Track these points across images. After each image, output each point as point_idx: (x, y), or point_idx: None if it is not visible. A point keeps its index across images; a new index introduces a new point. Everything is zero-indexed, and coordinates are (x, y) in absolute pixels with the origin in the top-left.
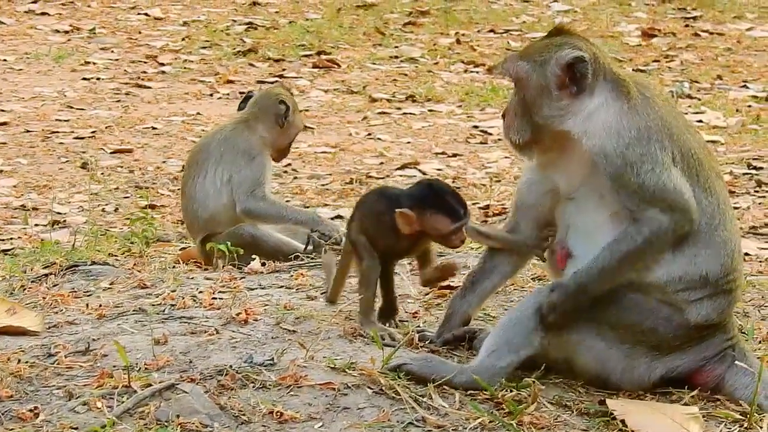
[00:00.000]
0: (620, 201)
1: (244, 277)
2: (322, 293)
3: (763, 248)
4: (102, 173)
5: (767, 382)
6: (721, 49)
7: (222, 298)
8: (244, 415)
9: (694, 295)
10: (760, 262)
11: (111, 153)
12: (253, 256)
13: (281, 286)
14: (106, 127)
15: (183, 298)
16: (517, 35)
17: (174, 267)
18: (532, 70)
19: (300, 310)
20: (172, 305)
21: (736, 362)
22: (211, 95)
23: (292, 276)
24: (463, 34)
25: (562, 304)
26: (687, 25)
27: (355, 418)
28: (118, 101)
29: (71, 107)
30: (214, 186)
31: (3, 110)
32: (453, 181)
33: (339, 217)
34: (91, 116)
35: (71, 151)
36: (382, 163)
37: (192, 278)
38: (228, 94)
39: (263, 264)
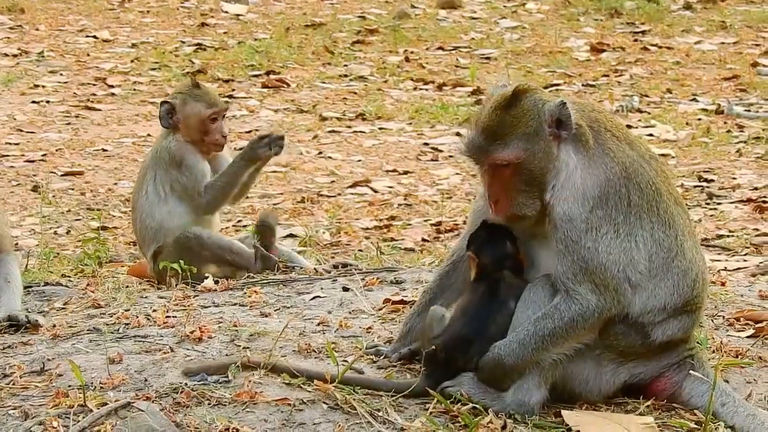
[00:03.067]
0: (558, 274)
1: (197, 295)
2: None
3: (715, 260)
4: (53, 196)
5: (723, 390)
6: (670, 63)
7: (176, 317)
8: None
9: (659, 318)
10: (712, 273)
11: (62, 175)
12: (206, 275)
13: (234, 304)
14: (56, 150)
15: (137, 317)
16: (466, 52)
17: (127, 287)
18: (529, 143)
19: (254, 327)
20: (126, 324)
21: (691, 372)
22: None
23: (245, 293)
24: (411, 52)
25: (480, 371)
26: (636, 40)
27: None
28: (68, 124)
29: (21, 130)
30: (157, 196)
31: None
32: (405, 199)
33: (291, 235)
34: (42, 139)
35: (22, 175)
36: (333, 181)
37: (145, 297)
38: None
39: (216, 282)
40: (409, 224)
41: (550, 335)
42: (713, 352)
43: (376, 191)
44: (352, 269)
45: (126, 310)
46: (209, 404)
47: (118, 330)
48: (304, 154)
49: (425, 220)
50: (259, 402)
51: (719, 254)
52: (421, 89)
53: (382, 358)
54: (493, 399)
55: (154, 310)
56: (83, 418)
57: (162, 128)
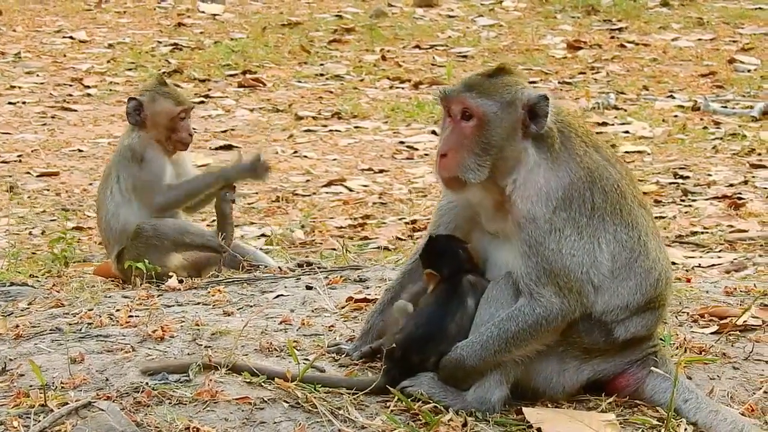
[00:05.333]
0: (521, 275)
1: (161, 295)
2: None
3: (689, 256)
4: (29, 197)
5: (685, 386)
6: (647, 59)
7: (138, 316)
8: (160, 431)
9: (622, 316)
10: (687, 270)
11: (37, 176)
12: (171, 273)
13: (198, 303)
14: (32, 151)
15: (100, 317)
16: (443, 50)
17: (92, 286)
18: (500, 109)
19: (216, 326)
20: (89, 324)
21: (653, 368)
22: None
23: (208, 292)
24: (388, 51)
25: (441, 371)
26: (613, 37)
27: None
28: (44, 125)
29: None
30: (122, 197)
31: None
32: (379, 197)
33: (264, 235)
34: (17, 140)
35: None
36: (308, 180)
37: (110, 297)
38: None
39: (180, 281)
40: (384, 223)
41: (513, 338)
42: (677, 348)
43: (351, 190)
44: (315, 267)
45: (89, 310)
46: (170, 403)
47: (80, 330)
48: (280, 153)
49: (400, 219)
50: (220, 401)
51: (693, 251)
52: (397, 88)
53: (343, 356)
54: (453, 398)
55: (117, 310)
56: (44, 417)
57: (126, 127)
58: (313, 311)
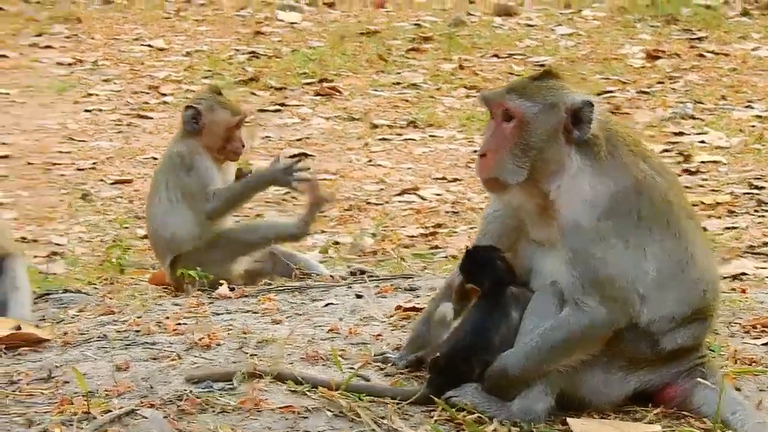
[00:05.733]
0: (566, 284)
1: (212, 302)
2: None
3: (760, 267)
4: (102, 204)
5: (733, 398)
6: (725, 69)
7: (186, 324)
8: None
9: (668, 326)
10: (759, 281)
11: (111, 184)
12: (221, 282)
13: (247, 311)
14: (107, 159)
15: (148, 325)
16: (521, 59)
17: (144, 294)
18: (541, 111)
19: (263, 334)
20: (137, 331)
21: (699, 379)
22: None
23: (259, 300)
24: (465, 59)
25: (485, 381)
26: (692, 46)
27: None
28: (120, 132)
29: (72, 139)
30: (170, 204)
31: (4, 143)
32: (452, 206)
33: (336, 243)
34: (93, 148)
35: (71, 183)
36: (381, 189)
37: (160, 304)
38: None
39: (232, 289)
40: (455, 232)
41: (557, 347)
42: (726, 359)
43: (424, 199)
44: (365, 276)
45: (138, 318)
46: (213, 411)
47: (127, 337)
48: (354, 161)
49: (472, 228)
50: (264, 409)
51: (765, 262)
52: (473, 96)
53: (389, 365)
54: (498, 408)
55: (167, 318)
56: (86, 425)
57: (175, 133)
58: (361, 320)
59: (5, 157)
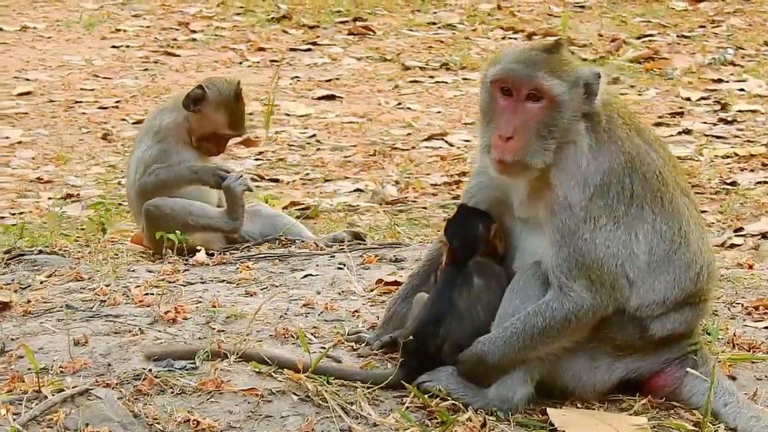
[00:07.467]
0: (551, 266)
1: (188, 270)
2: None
3: None
4: (122, 144)
5: (726, 389)
6: None
7: (155, 294)
8: (158, 423)
9: (658, 311)
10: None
11: (133, 123)
12: (198, 247)
13: (222, 281)
14: (131, 97)
15: (114, 294)
16: (560, 0)
17: (117, 257)
18: (568, 89)
19: (233, 308)
20: (102, 302)
21: (689, 370)
22: (241, 63)
23: (237, 268)
24: None
25: (461, 365)
26: None
27: (278, 428)
28: (146, 70)
29: (97, 76)
30: (135, 164)
31: (28, 79)
32: None
33: (359, 190)
34: (117, 85)
35: (93, 122)
36: (409, 134)
37: (133, 270)
38: (258, 62)
39: (210, 255)
40: None
41: (539, 334)
42: (725, 344)
43: (451, 145)
44: (345, 245)
45: (106, 285)
46: (172, 393)
47: (91, 308)
48: (383, 104)
49: None
50: (225, 392)
51: None
52: (510, 38)
53: (363, 345)
54: (473, 395)
55: (137, 287)
56: (36, 405)
57: (175, 96)
58: (339, 294)
59: (27, 93)
